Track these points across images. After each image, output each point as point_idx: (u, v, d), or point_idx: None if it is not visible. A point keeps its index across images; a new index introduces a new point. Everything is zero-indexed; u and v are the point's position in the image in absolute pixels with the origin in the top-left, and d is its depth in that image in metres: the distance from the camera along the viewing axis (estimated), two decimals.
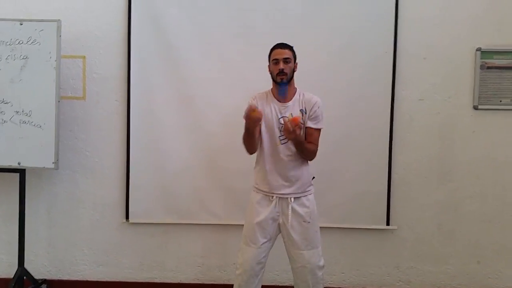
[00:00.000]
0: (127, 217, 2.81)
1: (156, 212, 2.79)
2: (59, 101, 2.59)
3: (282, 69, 2.11)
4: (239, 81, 2.71)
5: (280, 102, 2.20)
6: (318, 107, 2.18)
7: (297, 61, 2.22)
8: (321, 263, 2.21)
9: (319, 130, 2.20)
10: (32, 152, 2.58)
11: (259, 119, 2.04)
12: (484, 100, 2.73)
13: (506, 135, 2.75)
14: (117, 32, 2.76)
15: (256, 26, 2.69)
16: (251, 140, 2.14)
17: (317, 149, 2.20)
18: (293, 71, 2.18)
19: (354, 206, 2.75)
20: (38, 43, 2.56)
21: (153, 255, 2.86)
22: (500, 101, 2.73)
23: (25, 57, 2.57)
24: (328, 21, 2.69)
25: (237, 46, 2.70)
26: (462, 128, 2.76)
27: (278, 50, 2.15)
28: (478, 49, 2.71)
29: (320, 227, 2.67)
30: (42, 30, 2.56)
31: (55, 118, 2.58)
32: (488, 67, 2.71)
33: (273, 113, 2.18)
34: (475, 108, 2.74)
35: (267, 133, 2.18)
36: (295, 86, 2.24)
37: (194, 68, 2.72)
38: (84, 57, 2.78)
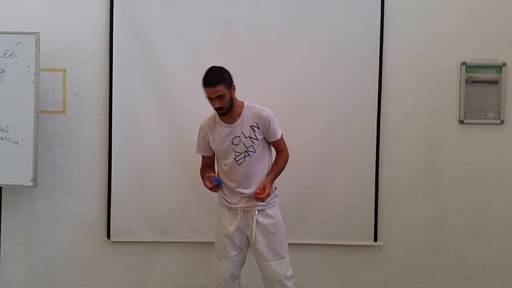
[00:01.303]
0: (108, 235, 2.72)
1: (139, 230, 2.71)
2: (37, 117, 2.51)
3: (219, 106, 2.06)
4: None
5: (226, 123, 2.15)
6: (270, 120, 2.13)
7: (233, 83, 2.11)
8: (289, 273, 2.21)
9: (281, 138, 2.21)
10: (9, 170, 2.49)
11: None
12: (469, 114, 2.73)
13: (491, 149, 2.75)
14: (98, 44, 2.69)
15: (240, 39, 2.65)
16: None
17: (288, 152, 2.24)
18: (231, 98, 2.09)
19: (341, 222, 2.71)
20: (16, 56, 2.48)
21: (135, 275, 2.77)
22: (485, 115, 2.73)
23: (1, 71, 2.48)
24: (313, 35, 2.66)
25: (221, 59, 2.61)
26: (448, 142, 2.75)
27: (209, 89, 2.03)
28: (463, 63, 2.71)
29: (306, 244, 2.65)
30: (20, 42, 2.48)
31: (33, 134, 2.50)
32: (473, 81, 2.72)
33: (223, 136, 2.16)
34: (461, 122, 2.73)
35: (223, 155, 2.19)
36: (239, 101, 2.16)
37: (177, 81, 2.67)
38: (64, 70, 2.71)
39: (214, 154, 2.27)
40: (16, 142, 2.49)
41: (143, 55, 2.66)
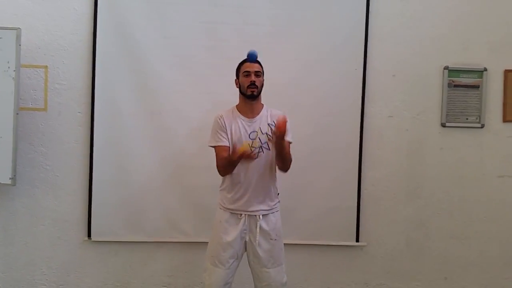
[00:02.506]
0: (89, 234, 2.68)
1: (120, 229, 2.68)
2: (17, 113, 2.46)
3: (254, 81, 2.11)
4: (208, 95, 2.65)
5: (247, 117, 2.17)
6: (287, 122, 2.12)
7: (264, 77, 2.20)
8: (284, 279, 2.20)
9: (289, 143, 2.18)
10: None
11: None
12: (451, 117, 2.77)
13: (472, 152, 2.80)
14: (81, 41, 2.65)
15: (226, 39, 2.65)
16: (233, 168, 2.10)
17: (291, 161, 2.17)
18: (261, 86, 2.17)
19: (324, 223, 2.72)
20: None
21: (116, 275, 2.74)
22: (467, 119, 2.78)
23: None
24: (299, 37, 2.67)
25: (207, 60, 2.65)
26: (430, 145, 2.79)
27: (249, 64, 2.15)
28: (446, 68, 2.75)
29: (289, 244, 2.65)
30: (0, 38, 2.42)
31: (13, 131, 2.45)
32: (455, 85, 2.76)
33: (241, 130, 2.15)
34: (443, 125, 2.78)
35: (238, 147, 2.12)
36: (262, 102, 2.22)
37: (161, 80, 2.65)
38: (46, 67, 2.66)
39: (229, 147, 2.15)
40: None
41: (127, 54, 2.63)
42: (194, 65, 2.66)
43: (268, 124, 2.16)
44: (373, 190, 2.77)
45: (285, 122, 1.96)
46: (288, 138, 2.15)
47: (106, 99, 2.64)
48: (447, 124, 2.77)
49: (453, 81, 2.76)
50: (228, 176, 2.18)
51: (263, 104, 2.23)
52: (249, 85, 2.11)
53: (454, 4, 2.76)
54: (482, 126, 2.79)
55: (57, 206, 2.70)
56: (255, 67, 2.14)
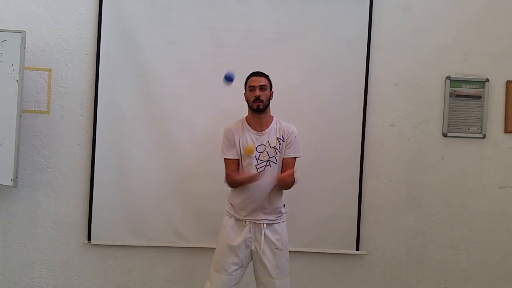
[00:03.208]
0: (89, 238, 2.68)
1: (120, 233, 2.68)
2: (20, 116, 2.47)
3: (259, 96, 2.12)
4: (211, 100, 2.66)
5: (256, 130, 2.18)
6: (295, 136, 2.20)
7: (273, 89, 2.21)
8: None
9: (295, 159, 2.20)
10: None
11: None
12: (453, 127, 2.77)
13: (473, 162, 2.80)
14: (85, 45, 2.67)
15: (229, 46, 2.66)
16: (239, 186, 2.15)
17: (294, 182, 2.16)
18: (269, 99, 2.18)
19: (324, 231, 2.72)
20: (0, 54, 2.44)
21: (115, 279, 2.73)
22: (468, 129, 2.78)
23: None
24: (301, 45, 2.69)
25: (210, 65, 2.66)
26: (431, 155, 2.79)
27: (255, 78, 2.16)
28: (448, 77, 2.76)
29: (290, 251, 2.64)
30: (5, 40, 2.44)
31: (15, 133, 2.46)
32: (457, 95, 2.77)
33: (249, 143, 2.16)
34: (444, 135, 2.78)
35: (245, 161, 2.17)
36: (270, 115, 2.23)
37: (164, 85, 2.66)
38: (50, 70, 2.67)
39: (239, 159, 2.19)
40: None
41: (131, 58, 2.64)
42: (197, 71, 2.67)
43: (277, 138, 2.17)
44: (373, 199, 2.77)
45: (289, 176, 2.05)
46: (295, 154, 2.20)
47: (108, 103, 2.65)
48: (449, 134, 2.77)
49: (454, 91, 2.77)
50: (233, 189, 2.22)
51: (272, 116, 2.23)
52: (254, 100, 2.13)
53: (456, 15, 2.78)
54: (484, 137, 2.79)
55: (57, 209, 2.70)
56: (261, 81, 2.15)
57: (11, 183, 2.46)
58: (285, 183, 2.08)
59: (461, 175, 2.80)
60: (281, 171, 2.19)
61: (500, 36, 2.79)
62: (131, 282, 2.74)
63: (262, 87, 2.13)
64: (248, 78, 2.20)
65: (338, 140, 2.70)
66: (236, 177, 2.13)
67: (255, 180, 2.06)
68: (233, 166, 2.18)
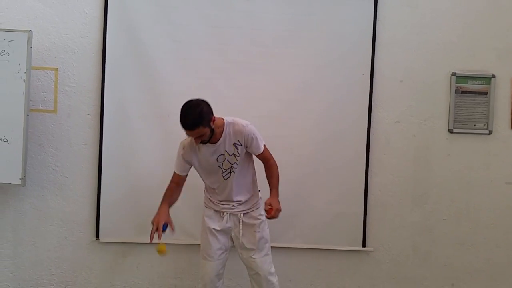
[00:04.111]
0: (97, 235, 2.70)
1: (128, 231, 2.70)
2: (28, 115, 2.50)
3: (200, 141, 2.07)
4: (215, 98, 2.60)
5: (210, 143, 2.14)
6: (251, 136, 2.14)
7: (213, 115, 2.09)
8: (272, 269, 2.28)
9: (265, 149, 2.23)
10: None
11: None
12: (458, 124, 2.77)
13: (479, 158, 2.79)
14: (91, 44, 2.68)
15: (234, 44, 2.67)
16: None
17: (274, 160, 2.26)
18: (212, 129, 2.07)
19: (330, 228, 2.73)
20: (7, 54, 2.46)
21: (124, 276, 2.76)
22: (474, 125, 2.77)
23: None
24: (306, 43, 2.69)
25: (214, 63, 2.67)
26: (437, 151, 2.79)
27: (188, 132, 2.03)
28: (453, 74, 2.75)
29: (296, 248, 2.68)
30: (12, 40, 2.46)
31: (23, 132, 2.48)
32: (463, 92, 2.76)
33: (207, 156, 2.18)
34: (450, 131, 2.77)
35: (209, 173, 2.23)
36: (219, 120, 2.14)
37: (170, 83, 2.67)
38: (56, 69, 2.69)
39: (187, 175, 2.27)
40: (5, 140, 2.48)
41: (136, 57, 2.65)
42: (203, 69, 2.68)
43: (234, 144, 2.15)
44: (379, 196, 2.78)
45: (271, 211, 2.11)
46: (260, 148, 2.19)
47: (115, 102, 2.67)
48: (455, 130, 2.77)
49: (460, 87, 2.76)
50: (206, 187, 2.32)
51: (223, 121, 2.15)
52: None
53: (462, 11, 2.76)
54: (490, 133, 2.78)
55: (65, 207, 2.72)
56: (194, 134, 2.01)
57: (19, 182, 2.49)
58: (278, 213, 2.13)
59: (468, 172, 2.79)
60: (249, 167, 2.27)
61: (505, 31, 2.77)
62: (139, 279, 2.77)
63: (199, 136, 2.04)
64: (182, 126, 2.03)
65: (343, 137, 2.70)
66: (165, 194, 2.27)
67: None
68: (176, 179, 2.28)
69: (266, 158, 2.24)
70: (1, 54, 2.45)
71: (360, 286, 2.82)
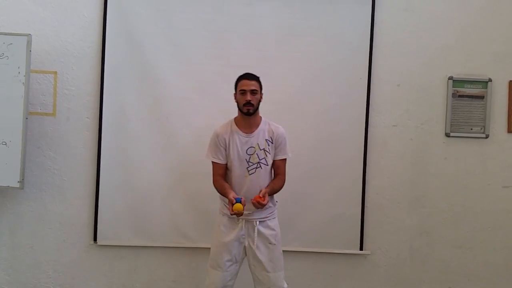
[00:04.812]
0: (95, 238, 2.71)
1: (126, 234, 2.71)
2: (27, 118, 2.51)
3: (249, 100, 2.14)
4: (215, 102, 2.68)
5: (245, 132, 2.20)
6: (284, 138, 2.23)
7: (263, 91, 2.22)
8: (285, 286, 2.25)
9: (285, 160, 2.24)
10: None
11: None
12: (456, 127, 2.78)
13: (476, 162, 2.81)
14: (90, 48, 2.70)
15: (233, 48, 2.68)
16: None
17: (285, 178, 2.24)
18: (258, 103, 2.20)
19: (328, 231, 2.74)
20: (6, 57, 2.48)
21: (121, 279, 2.76)
22: (471, 129, 2.79)
23: None
24: (304, 47, 2.70)
25: (213, 67, 2.68)
26: (434, 155, 2.80)
27: (245, 81, 2.16)
28: (450, 78, 2.77)
29: (293, 251, 2.68)
30: (11, 44, 2.48)
31: (22, 135, 2.49)
32: (460, 96, 2.78)
33: (238, 146, 2.19)
34: (447, 135, 2.79)
35: (236, 163, 2.21)
36: (260, 115, 2.25)
37: (169, 87, 2.68)
38: (55, 73, 2.70)
39: (227, 164, 2.24)
40: (4, 143, 2.48)
41: (135, 60, 2.67)
42: (201, 72, 2.69)
43: (266, 139, 2.20)
44: (377, 199, 2.79)
45: (263, 199, 2.07)
46: (284, 156, 2.23)
47: (114, 105, 2.68)
48: (452, 134, 2.78)
49: (457, 91, 2.77)
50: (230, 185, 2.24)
51: (261, 117, 2.25)
52: (245, 104, 2.15)
53: (458, 15, 2.79)
54: (487, 137, 2.80)
55: (64, 210, 2.73)
56: (251, 85, 2.16)
57: (18, 185, 2.49)
58: (260, 206, 2.07)
59: (465, 175, 2.81)
60: (273, 173, 2.25)
61: (502, 36, 2.80)
62: (137, 282, 2.76)
63: (253, 91, 2.15)
64: (238, 80, 2.21)
65: (341, 140, 2.72)
66: (222, 189, 2.18)
67: (236, 215, 2.07)
68: (220, 171, 2.24)
69: (281, 170, 2.24)
70: (1, 57, 2.47)
71: None
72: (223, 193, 2.18)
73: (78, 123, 2.71)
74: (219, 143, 2.21)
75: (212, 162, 2.24)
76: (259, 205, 2.07)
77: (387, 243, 2.80)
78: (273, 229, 2.23)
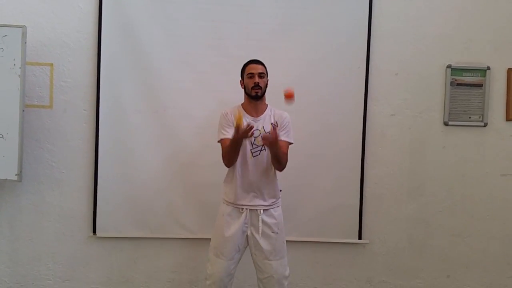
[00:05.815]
0: (94, 230, 2.71)
1: (125, 225, 2.71)
2: (23, 110, 2.49)
3: (258, 82, 2.18)
4: (212, 92, 2.67)
5: (252, 116, 2.24)
6: (288, 122, 2.27)
7: (268, 77, 2.27)
8: (287, 273, 2.26)
9: (288, 144, 2.25)
10: None
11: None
12: (454, 116, 2.78)
13: (475, 150, 2.81)
14: (86, 39, 2.68)
15: (229, 38, 2.67)
16: (237, 152, 2.14)
17: (287, 159, 2.22)
18: (265, 87, 2.25)
19: (326, 220, 2.74)
20: (1, 49, 2.45)
21: (121, 270, 2.77)
22: (469, 117, 2.78)
23: None
24: (302, 36, 2.69)
25: (210, 58, 2.67)
26: (432, 144, 2.80)
27: (253, 65, 2.23)
28: (448, 66, 2.76)
29: (292, 241, 2.68)
30: (6, 35, 2.45)
31: (19, 128, 2.48)
32: (458, 84, 2.77)
33: (245, 126, 2.15)
34: (446, 124, 2.78)
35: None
36: (266, 102, 2.28)
37: (166, 78, 2.67)
38: (51, 65, 2.68)
39: None
40: (1, 135, 2.47)
41: (132, 51, 2.65)
42: (198, 63, 2.67)
43: (271, 123, 2.23)
44: (375, 188, 2.79)
45: (273, 133, 2.04)
46: (288, 138, 2.24)
47: (111, 97, 2.66)
48: (450, 123, 2.78)
49: (455, 80, 2.76)
50: (231, 172, 2.25)
51: (267, 104, 2.29)
52: (253, 86, 2.19)
53: (457, 3, 2.77)
54: (485, 125, 2.79)
55: (62, 202, 2.73)
56: (259, 68, 2.22)
57: (15, 178, 2.49)
58: (270, 143, 2.03)
59: (463, 164, 2.81)
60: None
61: (501, 24, 2.78)
62: (136, 273, 2.77)
63: (260, 75, 2.20)
64: (245, 65, 2.25)
65: (339, 130, 2.71)
66: (229, 144, 2.12)
67: (245, 135, 2.02)
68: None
69: (283, 150, 2.20)
70: None
71: (357, 279, 2.84)
72: (230, 144, 2.12)
73: (75, 115, 2.70)
74: (228, 120, 2.22)
75: (221, 141, 2.22)
76: (270, 138, 2.02)
77: (385, 232, 2.81)
78: (275, 218, 2.24)
